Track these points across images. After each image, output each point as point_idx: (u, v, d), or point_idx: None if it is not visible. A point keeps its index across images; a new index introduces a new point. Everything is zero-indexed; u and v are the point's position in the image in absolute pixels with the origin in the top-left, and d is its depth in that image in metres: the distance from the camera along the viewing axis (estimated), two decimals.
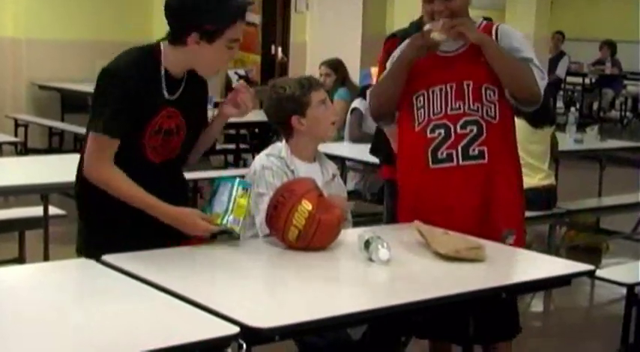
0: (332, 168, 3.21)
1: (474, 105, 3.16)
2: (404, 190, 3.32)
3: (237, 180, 2.76)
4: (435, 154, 3.18)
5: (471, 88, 3.16)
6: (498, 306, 3.14)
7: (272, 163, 3.05)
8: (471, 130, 3.16)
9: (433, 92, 3.20)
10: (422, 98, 3.22)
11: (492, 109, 3.17)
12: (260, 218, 2.95)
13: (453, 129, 3.17)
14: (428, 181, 3.19)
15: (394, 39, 4.20)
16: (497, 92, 3.17)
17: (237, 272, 2.57)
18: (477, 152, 3.15)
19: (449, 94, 3.18)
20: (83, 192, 2.77)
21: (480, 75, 3.17)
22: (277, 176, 3.01)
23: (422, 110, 3.22)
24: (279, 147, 3.14)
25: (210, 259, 2.66)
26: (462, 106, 3.17)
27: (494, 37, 3.20)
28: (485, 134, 3.15)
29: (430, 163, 3.18)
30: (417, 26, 4.15)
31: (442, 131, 3.17)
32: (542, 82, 3.18)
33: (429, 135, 3.19)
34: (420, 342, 3.41)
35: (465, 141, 3.17)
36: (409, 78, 3.23)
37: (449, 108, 3.18)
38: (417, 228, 2.89)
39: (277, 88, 3.13)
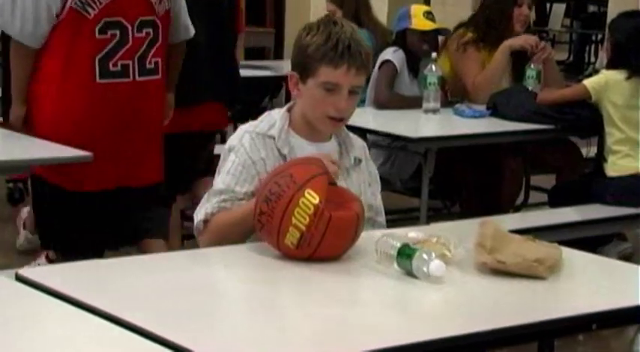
0: (358, 149, 3.12)
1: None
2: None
3: None
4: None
5: None
6: None
7: (243, 147, 2.95)
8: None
9: None
10: None
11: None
12: (198, 220, 2.91)
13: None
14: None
15: None
16: None
17: (210, 293, 2.60)
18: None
19: None
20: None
21: None
22: (244, 171, 2.91)
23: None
24: (273, 118, 3.05)
25: (170, 274, 2.68)
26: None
27: None
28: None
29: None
30: None
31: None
32: None
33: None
34: None
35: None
36: None
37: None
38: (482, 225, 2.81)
39: (306, 27, 3.00)
